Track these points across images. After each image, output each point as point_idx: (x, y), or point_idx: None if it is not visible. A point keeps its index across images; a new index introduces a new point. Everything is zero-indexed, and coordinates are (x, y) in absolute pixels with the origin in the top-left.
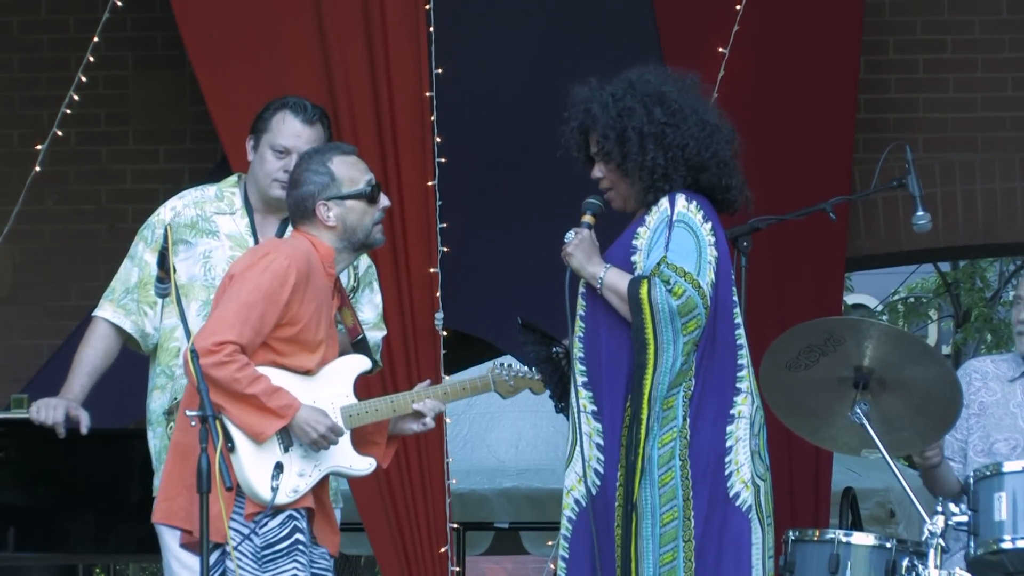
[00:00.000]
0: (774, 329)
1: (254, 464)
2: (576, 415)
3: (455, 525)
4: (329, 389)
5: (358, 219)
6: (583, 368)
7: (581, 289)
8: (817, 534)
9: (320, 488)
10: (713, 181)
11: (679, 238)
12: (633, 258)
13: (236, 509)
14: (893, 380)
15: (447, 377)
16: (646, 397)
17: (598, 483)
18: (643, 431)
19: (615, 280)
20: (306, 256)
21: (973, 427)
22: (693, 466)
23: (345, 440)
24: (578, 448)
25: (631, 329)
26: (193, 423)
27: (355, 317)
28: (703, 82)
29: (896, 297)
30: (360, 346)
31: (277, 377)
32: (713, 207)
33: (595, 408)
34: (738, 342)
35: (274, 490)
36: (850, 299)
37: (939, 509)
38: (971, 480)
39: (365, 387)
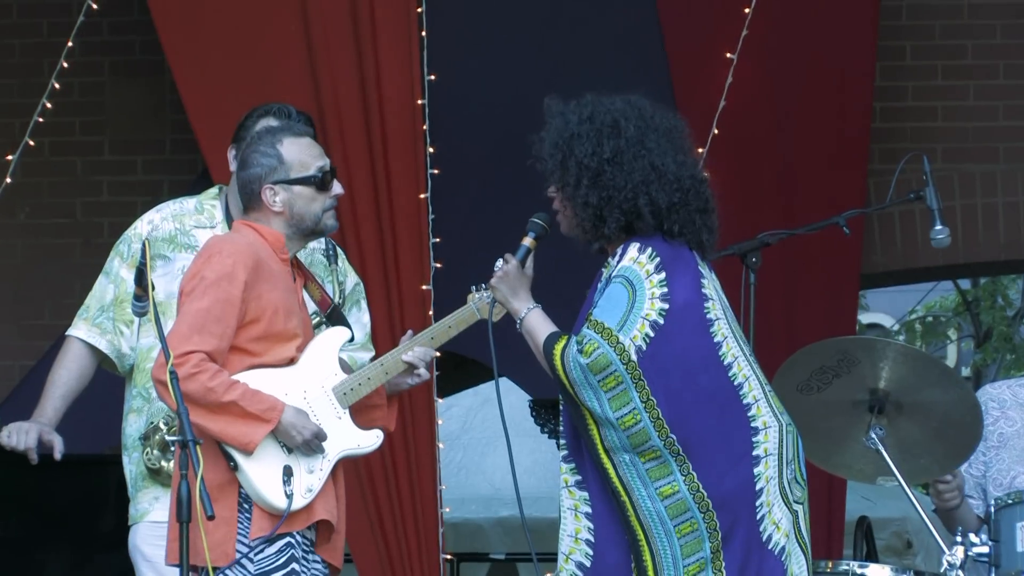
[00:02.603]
0: (785, 350)
1: (261, 475)
2: (561, 492)
3: (448, 556)
4: (315, 372)
5: (306, 205)
6: (563, 441)
7: None
8: (830, 566)
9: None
10: (650, 226)
11: (611, 293)
12: None
13: (239, 529)
14: (910, 403)
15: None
16: (600, 448)
17: (591, 553)
18: (618, 483)
19: (535, 326)
20: (251, 248)
21: (992, 460)
22: (721, 516)
23: (346, 419)
24: (565, 525)
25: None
26: (172, 448)
27: (322, 289)
28: (711, 90)
29: (913, 316)
30: (334, 317)
31: (257, 376)
32: (683, 249)
33: (579, 478)
34: (735, 382)
35: (289, 496)
36: (865, 318)
37: (959, 540)
38: (992, 509)
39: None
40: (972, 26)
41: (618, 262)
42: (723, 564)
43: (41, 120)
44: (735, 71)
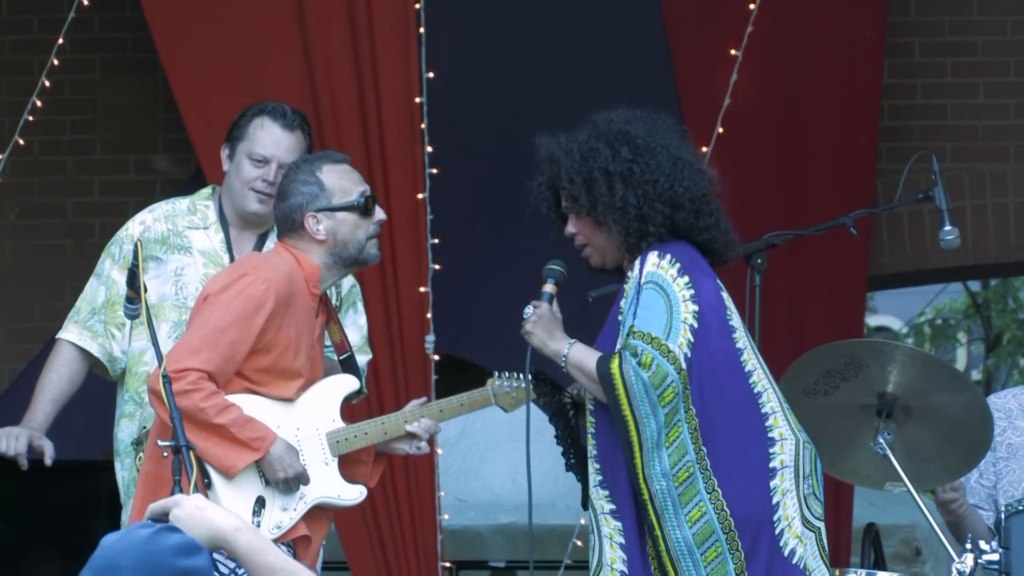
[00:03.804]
0: (791, 353)
1: (233, 499)
2: (595, 516)
3: (447, 564)
4: (313, 414)
5: (350, 232)
6: (598, 466)
7: None
8: (837, 573)
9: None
10: (690, 220)
11: (647, 301)
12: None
13: None
14: (919, 408)
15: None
16: (641, 476)
17: None
18: (652, 513)
19: (581, 358)
20: (288, 276)
21: (1002, 471)
22: (742, 535)
23: (333, 467)
24: (603, 552)
25: (610, 410)
26: (165, 454)
27: (343, 333)
28: (715, 88)
29: (922, 319)
30: (348, 364)
31: (255, 403)
32: (699, 253)
33: (613, 507)
34: (756, 390)
35: (256, 526)
36: (873, 321)
37: (968, 547)
38: (1002, 516)
39: (350, 414)
40: (982, 22)
41: (641, 270)
42: None
43: (31, 118)
44: (740, 69)
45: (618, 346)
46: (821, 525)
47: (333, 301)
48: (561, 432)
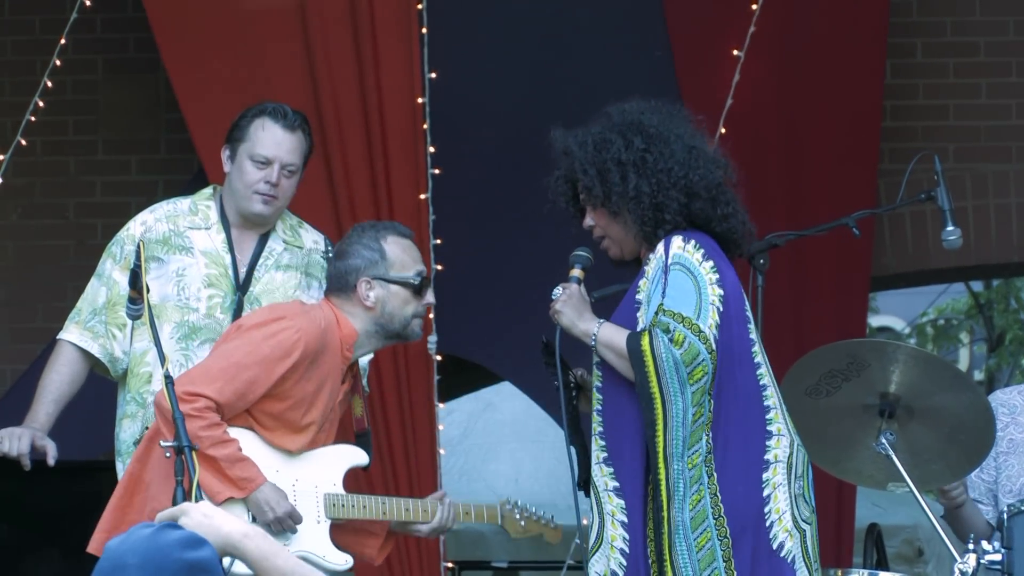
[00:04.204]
0: (793, 353)
1: None
2: (597, 494)
3: (450, 564)
4: (315, 472)
5: (399, 307)
6: (603, 443)
7: (596, 359)
8: (840, 574)
9: None
10: (707, 210)
11: (675, 282)
12: (638, 314)
13: None
14: (921, 408)
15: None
16: (661, 456)
17: (624, 564)
18: (664, 494)
19: (611, 336)
20: (323, 332)
21: (1002, 466)
22: (731, 523)
23: (324, 528)
24: (604, 529)
25: (636, 387)
26: (167, 455)
27: (364, 408)
28: (717, 88)
29: (925, 319)
30: (362, 440)
31: (257, 444)
32: (717, 245)
33: (617, 485)
34: (761, 383)
35: (232, 561)
36: (875, 321)
37: (971, 547)
38: (1004, 516)
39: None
40: (984, 23)
41: (667, 251)
42: (735, 574)
43: (33, 119)
44: (742, 69)
45: (642, 325)
46: (808, 528)
47: None
48: (565, 409)
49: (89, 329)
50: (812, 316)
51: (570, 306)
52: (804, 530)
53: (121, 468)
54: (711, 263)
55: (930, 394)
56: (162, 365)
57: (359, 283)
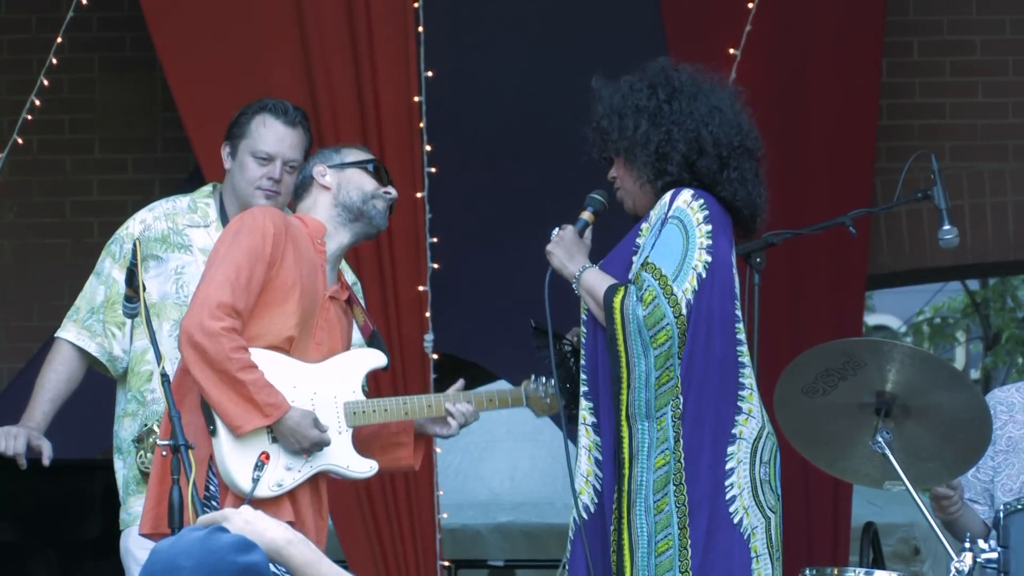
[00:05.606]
0: (789, 352)
1: (236, 450)
2: (578, 425)
3: (446, 563)
4: (334, 381)
5: (356, 184)
6: (585, 377)
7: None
8: (836, 572)
9: (312, 492)
10: (713, 168)
11: (667, 235)
12: (634, 258)
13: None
14: (918, 407)
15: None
16: (624, 415)
17: (596, 500)
18: (625, 452)
19: (592, 283)
20: (284, 218)
21: (1000, 465)
22: (690, 491)
23: (346, 437)
24: (578, 462)
25: (606, 340)
26: (164, 453)
27: (366, 314)
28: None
29: (921, 317)
30: (375, 341)
31: (276, 360)
32: (727, 217)
33: (594, 420)
34: (740, 359)
35: (255, 481)
36: (871, 320)
37: (967, 546)
38: (1001, 515)
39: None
40: (981, 21)
41: (671, 203)
42: (689, 541)
43: (30, 117)
44: (738, 67)
45: (631, 274)
46: (772, 517)
47: None
48: (563, 384)
49: (87, 328)
50: (808, 315)
51: (562, 247)
52: (770, 518)
53: (120, 466)
54: (709, 227)
55: (926, 393)
56: (158, 364)
57: (314, 172)
